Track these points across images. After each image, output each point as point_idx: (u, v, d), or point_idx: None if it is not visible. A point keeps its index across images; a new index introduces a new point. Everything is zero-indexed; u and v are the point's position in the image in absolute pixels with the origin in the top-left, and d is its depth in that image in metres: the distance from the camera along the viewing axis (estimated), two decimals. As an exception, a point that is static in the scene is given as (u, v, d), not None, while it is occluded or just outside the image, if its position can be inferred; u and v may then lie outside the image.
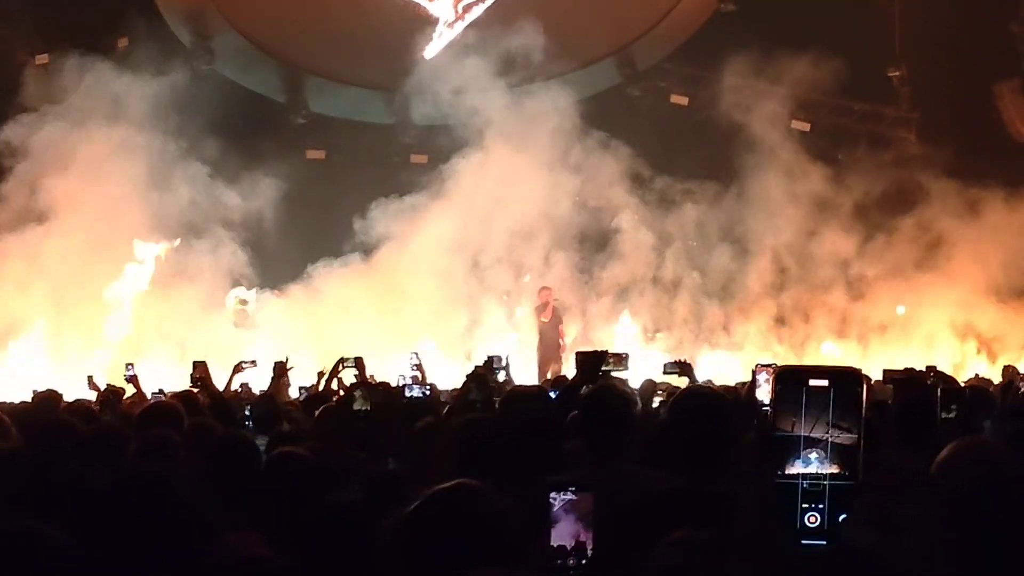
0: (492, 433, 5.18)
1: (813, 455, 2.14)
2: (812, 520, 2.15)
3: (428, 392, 8.90)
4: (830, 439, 2.14)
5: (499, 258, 20.01)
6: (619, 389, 5.74)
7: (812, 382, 2.16)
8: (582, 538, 3.49)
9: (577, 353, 7.91)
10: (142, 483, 3.40)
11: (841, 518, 2.15)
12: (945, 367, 15.02)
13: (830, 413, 2.14)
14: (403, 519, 3.13)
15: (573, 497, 3.51)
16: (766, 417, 2.26)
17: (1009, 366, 15.16)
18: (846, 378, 2.15)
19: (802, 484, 2.14)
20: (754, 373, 7.94)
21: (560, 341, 19.94)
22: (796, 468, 2.14)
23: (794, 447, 2.13)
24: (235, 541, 3.36)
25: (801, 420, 2.15)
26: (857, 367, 2.18)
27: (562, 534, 3.49)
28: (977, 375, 15.06)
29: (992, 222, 19.06)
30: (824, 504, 2.14)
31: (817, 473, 2.13)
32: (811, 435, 2.14)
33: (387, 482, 4.97)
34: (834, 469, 2.13)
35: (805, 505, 2.14)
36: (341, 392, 10.71)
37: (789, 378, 2.17)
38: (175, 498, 3.35)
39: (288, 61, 21.99)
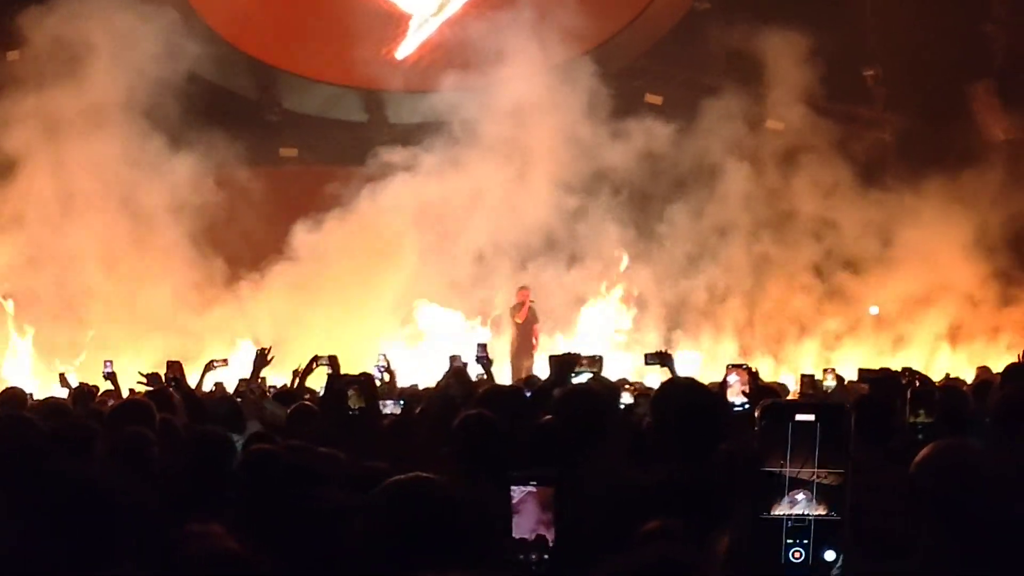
0: (491, 431, 5.19)
1: (800, 496, 2.12)
2: (796, 555, 2.13)
3: (403, 405, 8.80)
4: (816, 480, 2.12)
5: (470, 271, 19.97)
6: (594, 390, 5.75)
7: (798, 417, 2.13)
8: (543, 532, 3.47)
9: (551, 356, 7.92)
10: (60, 484, 3.34)
11: (826, 554, 2.12)
12: (918, 365, 15.13)
13: (816, 449, 2.12)
14: (360, 510, 3.12)
15: (534, 490, 3.49)
16: (736, 421, 2.24)
17: (982, 367, 15.21)
18: (832, 412, 2.13)
19: (787, 522, 2.11)
20: (725, 374, 7.92)
21: (533, 341, 19.92)
22: (782, 508, 2.12)
23: (780, 487, 2.11)
24: (199, 533, 3.31)
25: (787, 458, 2.13)
26: (842, 403, 2.16)
27: (523, 528, 3.48)
28: (948, 375, 15.10)
29: (963, 220, 19.16)
30: (809, 539, 2.11)
31: (803, 514, 2.10)
32: (798, 476, 2.11)
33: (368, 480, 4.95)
34: (820, 510, 2.10)
35: (790, 540, 2.12)
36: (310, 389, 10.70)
37: (774, 413, 2.13)
38: (98, 498, 3.29)
39: (261, 58, 21.87)
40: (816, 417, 2.12)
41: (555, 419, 5.48)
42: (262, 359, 10.39)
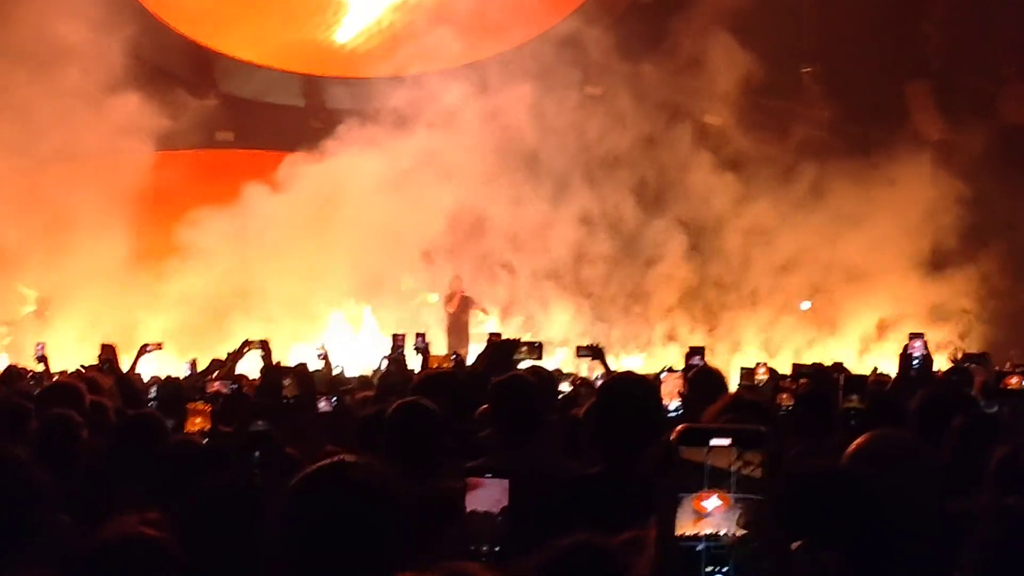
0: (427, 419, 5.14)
1: (718, 518, 2.09)
2: None
3: (336, 402, 8.72)
4: (734, 500, 2.10)
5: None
6: (529, 378, 5.74)
7: (714, 441, 2.11)
8: (495, 524, 3.46)
9: (490, 336, 7.88)
10: None
11: None
12: (848, 360, 15.28)
13: (733, 474, 2.10)
14: (283, 496, 3.05)
15: (488, 482, 3.47)
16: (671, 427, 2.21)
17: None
18: (750, 436, 2.11)
19: (707, 546, 2.09)
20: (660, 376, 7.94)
21: (468, 330, 19.90)
22: (700, 529, 2.09)
23: (696, 511, 2.09)
24: (128, 521, 3.26)
25: (704, 481, 2.10)
26: (760, 426, 2.13)
27: (475, 519, 3.46)
28: (876, 369, 15.22)
29: (894, 217, 19.37)
30: (729, 566, 2.10)
31: (720, 534, 2.08)
32: (715, 498, 2.09)
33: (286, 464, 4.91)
34: (740, 532, 2.08)
35: (709, 568, 2.10)
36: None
37: (690, 438, 2.11)
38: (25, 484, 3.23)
39: (198, 39, 21.65)
40: (733, 441, 2.10)
41: (490, 408, 5.46)
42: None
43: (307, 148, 19.65)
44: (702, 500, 2.04)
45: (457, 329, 19.82)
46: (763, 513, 2.01)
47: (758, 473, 2.05)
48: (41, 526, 3.28)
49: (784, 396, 7.69)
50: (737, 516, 2.02)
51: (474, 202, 19.79)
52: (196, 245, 19.03)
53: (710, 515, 2.05)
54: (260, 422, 5.55)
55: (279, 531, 3.02)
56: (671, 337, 20.54)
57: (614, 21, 21.52)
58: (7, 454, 3.38)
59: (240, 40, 21.58)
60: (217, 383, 9.70)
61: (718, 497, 2.04)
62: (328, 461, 3.10)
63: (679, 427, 2.08)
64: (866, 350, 19.44)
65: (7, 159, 18.64)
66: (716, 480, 2.05)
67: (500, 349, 7.80)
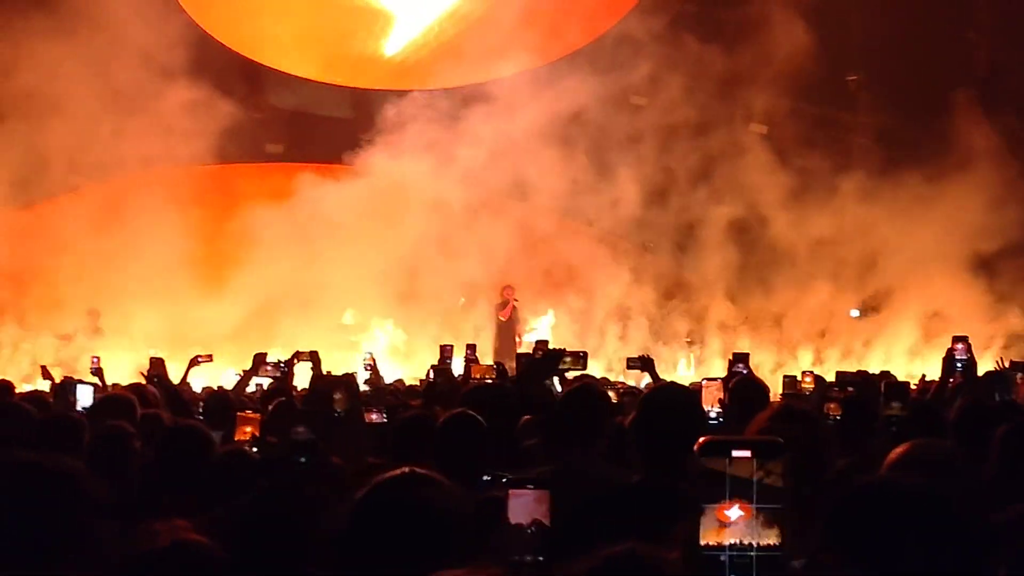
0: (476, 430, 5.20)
1: (741, 527, 2.14)
2: None
3: (386, 419, 8.78)
4: (756, 509, 2.14)
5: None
6: (599, 389, 5.79)
7: (735, 453, 2.15)
8: (536, 534, 3.49)
9: (537, 344, 7.91)
10: (43, 478, 3.34)
11: None
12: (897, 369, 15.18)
13: (755, 484, 2.14)
14: (349, 507, 3.13)
15: (530, 493, 3.51)
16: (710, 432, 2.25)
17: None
18: (769, 448, 2.15)
19: (731, 556, 2.13)
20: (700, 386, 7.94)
21: (517, 339, 19.93)
22: (723, 538, 2.14)
23: (720, 520, 2.13)
24: (163, 529, 3.33)
25: (727, 491, 2.15)
26: (778, 438, 2.17)
27: (516, 530, 3.50)
28: (924, 376, 15.10)
29: (943, 224, 19.23)
30: (752, 573, 2.14)
31: (743, 544, 2.12)
32: (737, 508, 2.13)
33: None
34: (761, 540, 2.12)
35: None
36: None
37: (712, 450, 2.16)
38: (79, 495, 3.29)
39: (247, 53, 21.85)
40: (753, 453, 2.14)
41: (560, 414, 5.49)
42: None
43: (356, 160, 19.79)
44: (725, 510, 2.09)
45: (506, 338, 19.85)
46: (785, 522, 2.06)
47: (779, 483, 2.09)
48: (97, 537, 3.34)
49: (832, 405, 7.66)
50: (759, 526, 2.06)
51: (516, 214, 19.90)
52: (247, 256, 19.20)
53: (733, 524, 2.09)
54: (301, 428, 5.59)
55: (341, 538, 3.09)
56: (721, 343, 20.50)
57: (660, 29, 21.56)
58: (64, 466, 3.45)
59: (289, 54, 21.76)
60: (268, 367, 9.84)
61: (740, 507, 2.09)
62: (398, 472, 3.19)
63: (701, 439, 2.13)
64: (917, 356, 19.29)
65: (59, 173, 18.91)
66: (738, 490, 2.10)
67: (545, 359, 7.83)
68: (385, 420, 8.21)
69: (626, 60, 20.21)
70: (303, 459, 4.93)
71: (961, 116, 19.55)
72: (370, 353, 13.14)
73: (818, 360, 19.70)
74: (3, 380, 9.86)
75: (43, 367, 12.78)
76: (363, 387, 10.72)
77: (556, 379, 8.25)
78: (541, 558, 3.45)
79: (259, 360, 10.36)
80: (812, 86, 20.52)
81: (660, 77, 20.65)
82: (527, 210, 20.37)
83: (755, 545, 2.10)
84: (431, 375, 11.37)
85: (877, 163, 20.06)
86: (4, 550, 3.06)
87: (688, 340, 20.78)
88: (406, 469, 3.25)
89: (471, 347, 11.53)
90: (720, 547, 2.10)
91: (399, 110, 20.10)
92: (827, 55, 20.30)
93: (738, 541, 2.10)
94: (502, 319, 20.02)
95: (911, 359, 18.99)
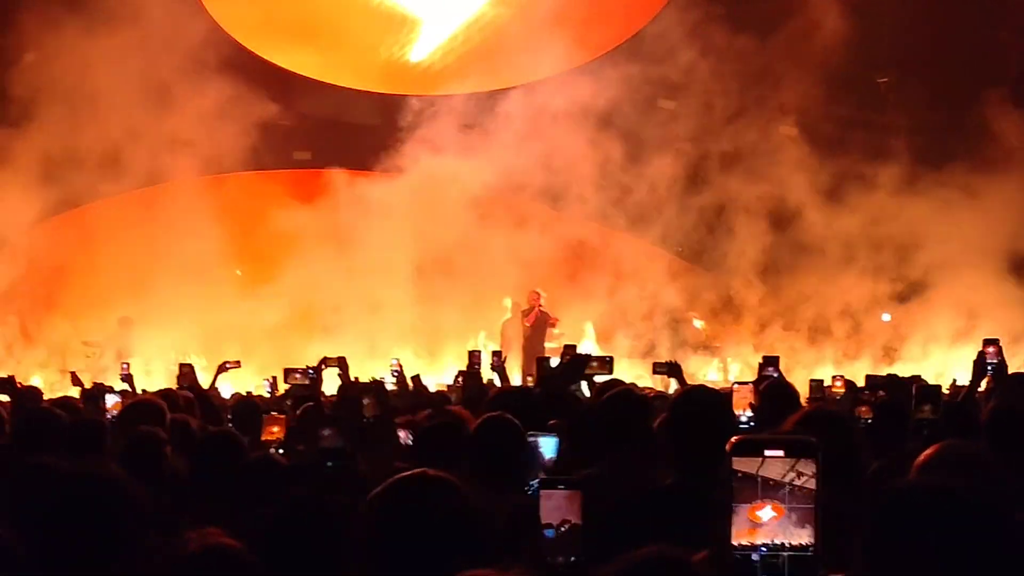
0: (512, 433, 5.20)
1: (772, 527, 2.13)
2: None
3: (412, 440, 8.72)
4: (788, 509, 2.13)
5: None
6: (636, 392, 5.78)
7: (768, 452, 2.14)
8: (570, 535, 3.48)
9: (565, 349, 7.90)
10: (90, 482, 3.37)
11: None
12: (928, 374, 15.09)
13: (787, 484, 2.13)
14: (364, 507, 3.14)
15: (561, 493, 3.50)
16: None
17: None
18: (802, 447, 2.14)
19: (763, 556, 2.12)
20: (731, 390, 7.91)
21: (545, 345, 19.88)
22: (755, 538, 2.13)
23: (751, 520, 2.12)
24: (195, 536, 3.34)
25: (758, 490, 2.14)
26: (812, 437, 2.16)
27: (551, 530, 3.49)
28: (955, 381, 15.04)
29: (977, 227, 19.11)
30: (784, 573, 2.13)
31: (775, 544, 2.11)
32: (769, 508, 2.12)
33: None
34: (793, 540, 2.11)
35: None
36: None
37: (744, 449, 2.15)
38: (124, 498, 3.32)
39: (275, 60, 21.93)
40: (786, 452, 2.13)
41: (598, 418, 5.48)
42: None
43: (385, 166, 19.85)
44: (757, 510, 2.08)
45: (533, 343, 19.81)
46: (817, 523, 2.05)
47: (811, 484, 2.08)
48: (136, 542, 3.36)
49: (864, 409, 7.63)
50: (791, 526, 2.05)
51: (544, 218, 19.91)
52: (279, 263, 19.30)
53: (765, 525, 2.08)
54: (327, 431, 5.58)
55: (359, 540, 3.10)
56: (757, 349, 20.43)
57: (687, 33, 21.53)
58: (105, 471, 3.47)
59: (316, 60, 21.82)
60: (297, 374, 9.85)
61: (772, 508, 2.08)
62: (409, 473, 3.20)
63: (733, 439, 2.12)
64: (948, 361, 19.17)
65: (90, 184, 19.05)
66: (770, 491, 2.09)
67: (572, 364, 7.83)
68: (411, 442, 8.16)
69: (656, 61, 20.18)
70: (331, 465, 4.93)
71: (993, 115, 19.43)
72: (397, 359, 13.13)
73: (848, 356, 19.67)
74: (32, 386, 9.92)
75: (73, 373, 12.85)
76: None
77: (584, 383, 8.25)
78: (574, 558, 3.44)
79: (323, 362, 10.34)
80: (844, 85, 20.43)
81: (691, 78, 20.64)
82: (556, 215, 20.37)
83: (787, 545, 2.09)
84: (459, 380, 11.36)
85: (909, 163, 19.92)
86: (49, 556, 3.08)
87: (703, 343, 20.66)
88: (419, 470, 3.24)
89: (496, 354, 11.54)
90: (752, 547, 2.09)
91: (426, 116, 20.14)
92: (860, 53, 20.22)
93: (770, 541, 2.09)
94: (527, 325, 20.00)
95: (943, 362, 18.87)
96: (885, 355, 19.73)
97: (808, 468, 2.10)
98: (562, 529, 3.45)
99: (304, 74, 21.96)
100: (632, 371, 17.54)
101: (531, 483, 4.64)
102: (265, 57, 21.62)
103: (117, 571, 3.22)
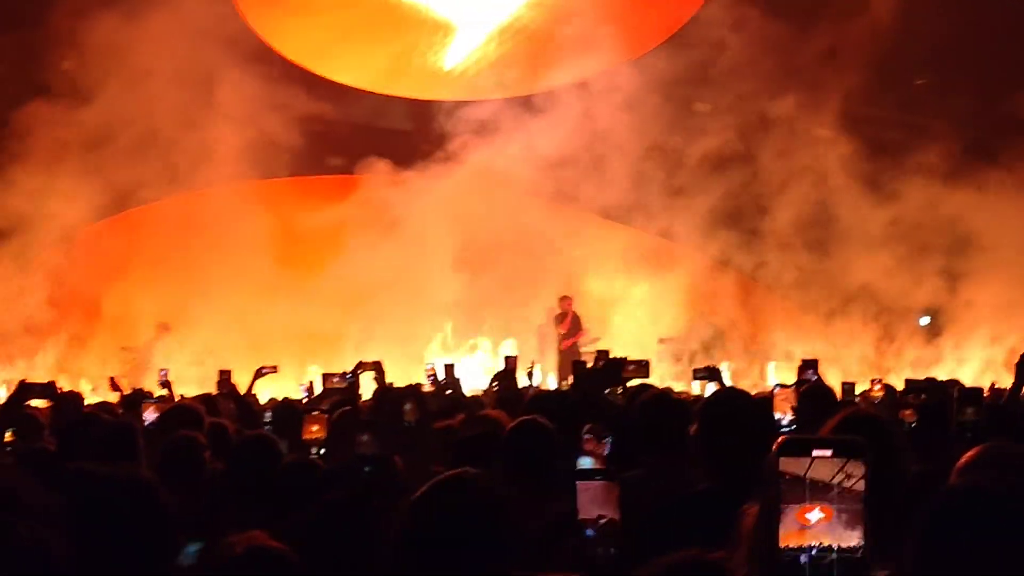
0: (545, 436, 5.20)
1: (821, 529, 2.11)
2: None
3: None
4: (836, 511, 2.11)
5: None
6: (675, 397, 5.77)
7: (816, 452, 2.13)
8: (610, 527, 3.46)
9: (598, 354, 7.88)
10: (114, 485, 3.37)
11: None
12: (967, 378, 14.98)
13: (836, 486, 2.11)
14: (406, 508, 3.15)
15: (598, 484, 3.48)
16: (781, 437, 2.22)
17: None
18: (852, 447, 2.12)
19: (810, 555, 2.10)
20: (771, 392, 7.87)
21: (578, 350, 19.86)
22: (804, 541, 2.11)
23: (799, 521, 2.10)
24: (242, 539, 3.36)
25: (806, 492, 2.12)
26: (862, 437, 2.14)
27: (590, 524, 3.47)
28: (994, 384, 14.94)
29: (1013, 225, 18.99)
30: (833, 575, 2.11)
31: (824, 546, 2.09)
32: (817, 510, 2.11)
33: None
34: (842, 542, 2.10)
35: None
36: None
37: (792, 449, 2.13)
38: (152, 503, 3.32)
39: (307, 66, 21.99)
40: (834, 452, 2.11)
41: (639, 421, 5.47)
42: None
43: (417, 172, 19.89)
44: (805, 512, 2.06)
45: (567, 350, 19.79)
46: (866, 524, 2.03)
47: (860, 485, 2.06)
48: (172, 549, 3.37)
49: (908, 412, 7.60)
50: (840, 527, 2.03)
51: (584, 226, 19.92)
52: (317, 268, 19.39)
53: (813, 527, 2.06)
54: (364, 437, 5.59)
55: (397, 542, 3.11)
56: (788, 356, 20.35)
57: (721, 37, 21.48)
58: (140, 477, 3.47)
59: (348, 66, 21.88)
60: (334, 378, 9.87)
61: (820, 509, 2.06)
62: (449, 474, 3.22)
63: (780, 438, 2.10)
64: (989, 366, 19.05)
65: (128, 189, 19.19)
66: (818, 492, 2.07)
67: (607, 368, 7.81)
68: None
69: (693, 64, 20.17)
70: (368, 470, 4.94)
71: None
72: (431, 364, 13.18)
73: (885, 353, 19.58)
74: (72, 391, 9.98)
75: (111, 379, 12.91)
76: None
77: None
78: (613, 550, 3.42)
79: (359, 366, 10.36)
80: (880, 89, 20.33)
81: (731, 79, 20.59)
82: (595, 219, 20.37)
83: (836, 547, 2.07)
84: (494, 385, 11.36)
85: (945, 165, 19.79)
86: (86, 562, 3.09)
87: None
88: (459, 471, 3.26)
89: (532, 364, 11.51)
90: (800, 549, 2.07)
91: (460, 121, 20.19)
92: (897, 53, 20.12)
93: (818, 543, 2.07)
94: (561, 332, 19.99)
95: (982, 371, 18.73)
96: (921, 360, 19.60)
97: (857, 469, 2.08)
98: (600, 522, 3.43)
99: (338, 80, 22.02)
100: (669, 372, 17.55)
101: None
102: (299, 63, 21.70)
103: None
